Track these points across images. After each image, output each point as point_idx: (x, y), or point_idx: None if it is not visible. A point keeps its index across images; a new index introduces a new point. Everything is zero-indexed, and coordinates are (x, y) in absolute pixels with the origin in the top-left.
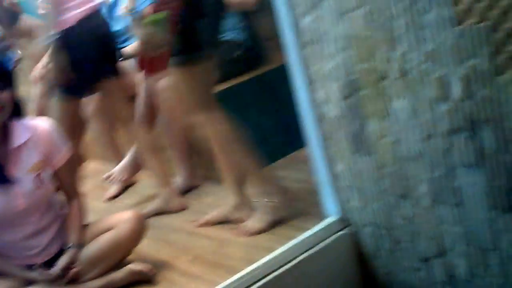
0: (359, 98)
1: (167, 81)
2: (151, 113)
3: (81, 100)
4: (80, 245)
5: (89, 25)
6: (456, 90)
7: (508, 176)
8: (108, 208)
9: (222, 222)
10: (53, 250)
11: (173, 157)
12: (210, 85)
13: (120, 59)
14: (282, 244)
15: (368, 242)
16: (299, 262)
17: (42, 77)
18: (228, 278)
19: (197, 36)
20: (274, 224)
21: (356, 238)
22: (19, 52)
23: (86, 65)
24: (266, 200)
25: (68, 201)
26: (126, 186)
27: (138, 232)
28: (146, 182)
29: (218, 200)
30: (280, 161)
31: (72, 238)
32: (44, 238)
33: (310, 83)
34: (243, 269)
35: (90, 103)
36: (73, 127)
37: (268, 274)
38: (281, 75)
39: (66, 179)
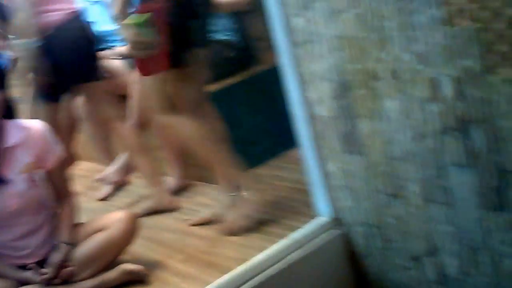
0: (351, 98)
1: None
2: (145, 115)
3: (63, 104)
4: (71, 243)
5: (69, 29)
6: (447, 90)
7: (498, 176)
8: (100, 208)
9: (215, 221)
10: (45, 250)
11: (165, 157)
12: (202, 85)
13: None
14: (274, 243)
15: (359, 241)
16: (291, 261)
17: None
18: (220, 278)
19: (187, 36)
20: (257, 222)
21: (347, 237)
22: (14, 51)
23: (66, 69)
24: (245, 194)
25: (59, 201)
26: (119, 187)
27: (130, 232)
28: (138, 183)
29: (210, 199)
30: (272, 161)
31: (63, 236)
32: (36, 239)
33: (302, 83)
34: (235, 269)
35: (82, 105)
36: (58, 129)
37: (260, 273)
38: (274, 76)
39: (58, 180)
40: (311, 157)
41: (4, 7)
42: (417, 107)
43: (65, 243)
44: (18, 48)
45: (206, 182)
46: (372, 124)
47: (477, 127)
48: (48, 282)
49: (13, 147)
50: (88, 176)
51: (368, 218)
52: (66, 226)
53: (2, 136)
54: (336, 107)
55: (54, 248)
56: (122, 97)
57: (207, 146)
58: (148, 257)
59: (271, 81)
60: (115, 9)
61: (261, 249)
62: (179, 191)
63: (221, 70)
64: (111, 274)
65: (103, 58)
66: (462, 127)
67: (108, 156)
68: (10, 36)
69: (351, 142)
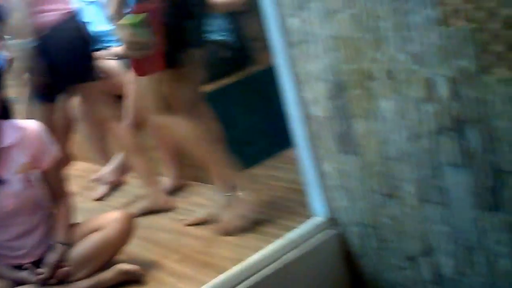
0: (346, 99)
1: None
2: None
3: (58, 104)
4: (67, 243)
5: (65, 29)
6: (443, 90)
7: (494, 176)
8: (96, 208)
9: (210, 221)
10: (41, 251)
11: (161, 157)
12: (197, 85)
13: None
14: (270, 243)
15: (355, 241)
16: (286, 261)
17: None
18: (216, 278)
19: (182, 36)
20: (253, 222)
21: (343, 237)
22: (9, 52)
23: (61, 70)
24: (240, 194)
25: (55, 201)
26: (115, 187)
27: (126, 232)
28: (134, 183)
29: (205, 199)
30: (268, 161)
31: (59, 236)
32: (32, 239)
33: (298, 83)
34: (231, 269)
35: (78, 105)
36: (54, 130)
37: (255, 273)
38: (269, 76)
39: (54, 180)
40: (307, 157)
41: (0, 7)
42: (412, 107)
43: (61, 243)
44: (14, 49)
45: (202, 182)
46: (368, 124)
47: (472, 127)
48: (44, 282)
49: (9, 147)
50: (84, 176)
51: (364, 218)
52: (62, 226)
53: None
54: (331, 107)
55: (50, 248)
56: (118, 97)
57: (202, 146)
58: (144, 257)
59: (267, 81)
60: (111, 9)
61: (256, 249)
62: (174, 191)
63: (216, 70)
64: (107, 274)
65: (99, 58)
66: (457, 127)
67: (104, 156)
68: (6, 36)
69: (347, 142)
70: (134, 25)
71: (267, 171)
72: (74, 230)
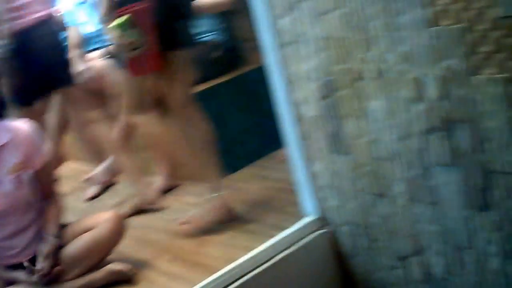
0: (336, 99)
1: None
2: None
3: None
4: (58, 236)
5: (41, 33)
6: (432, 90)
7: (483, 175)
8: (88, 209)
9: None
10: (33, 250)
11: (154, 157)
12: (188, 85)
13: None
14: (261, 243)
15: (345, 240)
16: (277, 261)
17: None
18: (207, 277)
19: (173, 36)
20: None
21: (334, 237)
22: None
23: (36, 74)
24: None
25: (46, 200)
26: (106, 187)
27: (117, 232)
28: (126, 183)
29: (198, 199)
30: (259, 161)
31: (51, 228)
32: (24, 239)
33: (289, 83)
34: (222, 268)
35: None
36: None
37: (247, 273)
38: (260, 76)
39: (45, 180)
40: (298, 157)
41: None
42: (402, 107)
43: (52, 235)
44: None
45: (194, 182)
46: (358, 124)
47: (462, 127)
48: (43, 275)
49: (0, 148)
50: (76, 176)
51: (355, 218)
52: (53, 220)
53: None
54: (322, 107)
55: (42, 240)
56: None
57: (179, 146)
58: (135, 256)
59: (258, 81)
60: (101, 11)
61: (248, 249)
62: (167, 190)
63: (208, 70)
64: (99, 274)
65: (92, 58)
66: (446, 126)
67: (96, 156)
68: None
69: (337, 142)
70: (120, 27)
71: (258, 171)
72: (65, 230)
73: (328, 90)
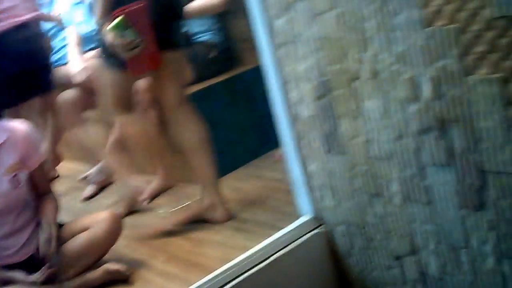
0: (331, 99)
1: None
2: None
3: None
4: (54, 222)
5: (21, 37)
6: (426, 90)
7: (478, 175)
8: (84, 208)
9: (197, 221)
10: (29, 250)
11: (150, 158)
12: (183, 85)
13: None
14: (257, 243)
15: (341, 240)
16: (273, 261)
17: None
18: (203, 277)
19: (168, 36)
20: (240, 222)
21: (329, 237)
22: None
23: (15, 77)
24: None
25: (41, 200)
26: (103, 187)
27: (114, 232)
28: (122, 183)
29: (193, 200)
30: (255, 161)
31: (48, 217)
32: (20, 238)
33: (284, 83)
34: (218, 268)
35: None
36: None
37: (243, 273)
38: (256, 76)
39: (40, 180)
40: (294, 157)
41: None
42: (396, 107)
43: (49, 223)
44: None
45: (190, 183)
46: (353, 124)
47: (456, 126)
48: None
49: None
50: (72, 176)
51: (350, 217)
52: (49, 210)
53: None
54: (318, 107)
55: (39, 228)
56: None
57: (158, 146)
58: (131, 256)
59: (254, 82)
60: (97, 14)
61: (244, 249)
62: (163, 191)
63: (204, 70)
64: (95, 274)
65: (88, 58)
66: (441, 126)
67: (92, 156)
68: None
69: (332, 142)
70: (117, 28)
71: (254, 171)
72: (62, 229)
73: (324, 90)
